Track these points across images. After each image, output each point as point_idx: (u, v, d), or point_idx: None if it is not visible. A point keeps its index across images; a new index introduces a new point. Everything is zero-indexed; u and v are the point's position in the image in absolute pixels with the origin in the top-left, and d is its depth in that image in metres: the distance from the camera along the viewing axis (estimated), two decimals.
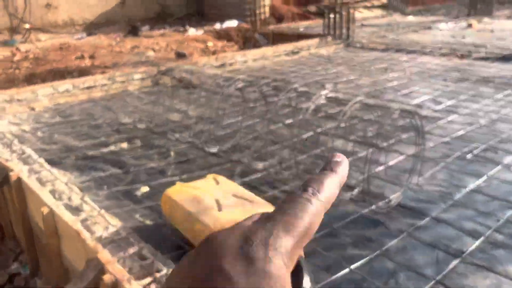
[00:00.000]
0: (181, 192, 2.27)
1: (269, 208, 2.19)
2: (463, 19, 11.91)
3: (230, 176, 3.13)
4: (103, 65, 8.57)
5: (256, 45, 10.74)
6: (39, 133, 3.98)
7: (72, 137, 3.89)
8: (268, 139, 3.17)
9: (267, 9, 10.95)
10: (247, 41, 12.07)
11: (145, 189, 2.92)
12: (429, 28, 10.62)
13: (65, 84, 5.37)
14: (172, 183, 3.02)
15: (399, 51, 7.91)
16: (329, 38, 9.04)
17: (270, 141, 3.17)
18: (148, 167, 3.29)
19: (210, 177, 2.51)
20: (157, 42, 10.95)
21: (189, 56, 10.23)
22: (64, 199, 2.58)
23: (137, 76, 5.10)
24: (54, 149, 3.58)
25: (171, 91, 4.11)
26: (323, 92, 2.84)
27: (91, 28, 12.55)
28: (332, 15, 9.10)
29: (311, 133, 3.32)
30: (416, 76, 6.00)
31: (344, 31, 9.06)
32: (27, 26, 11.25)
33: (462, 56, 7.15)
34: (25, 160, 3.19)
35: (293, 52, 7.97)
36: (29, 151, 3.35)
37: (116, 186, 2.96)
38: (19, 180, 2.90)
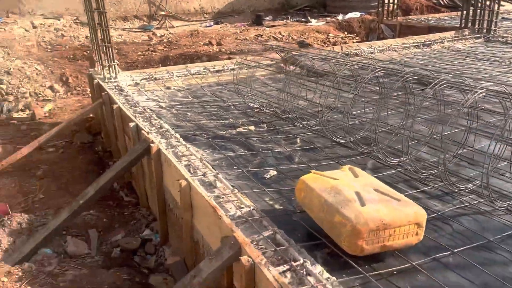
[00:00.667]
0: (317, 181, 2.15)
1: (416, 208, 1.97)
2: None
3: (361, 169, 2.94)
4: (228, 51, 8.86)
5: (381, 36, 10.22)
6: (174, 110, 4.19)
7: (204, 117, 4.03)
8: (405, 133, 2.90)
9: (395, 0, 10.34)
10: (371, 32, 11.52)
11: (273, 172, 2.88)
12: None
13: (197, 67, 5.63)
14: (300, 170, 2.93)
15: None
16: (466, 31, 8.20)
17: (407, 136, 2.89)
18: (275, 151, 3.25)
19: (346, 168, 2.35)
20: (279, 32, 11.02)
21: (311, 46, 10.10)
22: (199, 175, 2.63)
23: (264, 63, 5.12)
24: (187, 126, 3.73)
25: (297, 79, 4.01)
26: (483, 85, 2.48)
27: (218, 17, 13.16)
28: (471, 7, 8.25)
29: (457, 130, 2.96)
30: None
31: (484, 24, 8.19)
32: (163, 13, 12.18)
33: None
34: (163, 134, 3.36)
35: (424, 45, 7.37)
36: (166, 126, 3.53)
37: (245, 167, 2.97)
38: (158, 152, 3.06)
